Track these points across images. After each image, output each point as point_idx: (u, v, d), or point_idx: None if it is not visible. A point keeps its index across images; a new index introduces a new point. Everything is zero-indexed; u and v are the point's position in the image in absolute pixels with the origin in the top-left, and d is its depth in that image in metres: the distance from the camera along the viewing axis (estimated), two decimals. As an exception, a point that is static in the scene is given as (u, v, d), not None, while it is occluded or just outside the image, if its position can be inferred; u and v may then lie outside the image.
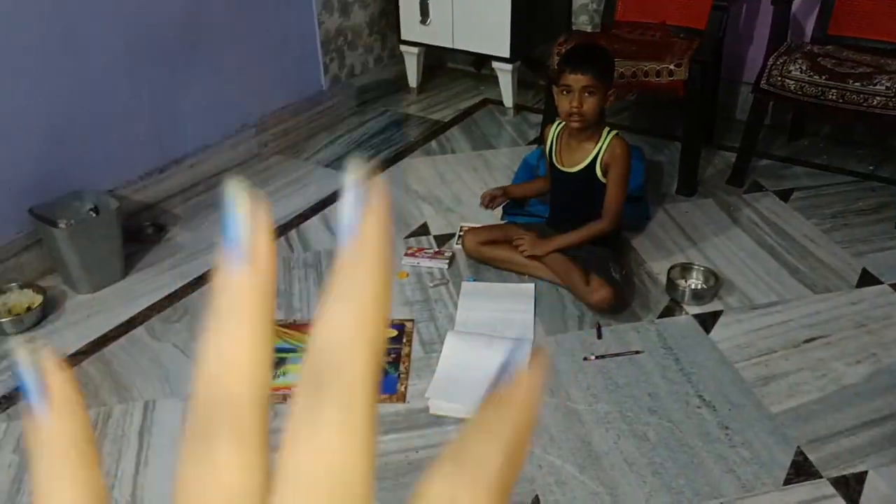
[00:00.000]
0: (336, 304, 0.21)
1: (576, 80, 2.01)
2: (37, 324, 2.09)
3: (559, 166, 2.19)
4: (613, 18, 2.91)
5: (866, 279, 2.20)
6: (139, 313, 2.14)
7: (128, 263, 2.32)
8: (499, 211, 2.56)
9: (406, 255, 2.33)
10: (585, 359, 1.92)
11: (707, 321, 2.05)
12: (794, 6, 2.76)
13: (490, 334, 1.97)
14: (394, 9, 3.35)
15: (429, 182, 2.79)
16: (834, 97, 2.38)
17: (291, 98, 3.07)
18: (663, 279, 2.19)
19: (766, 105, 2.64)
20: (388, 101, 3.48)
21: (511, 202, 2.55)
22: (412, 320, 2.07)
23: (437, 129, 3.20)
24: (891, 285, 2.17)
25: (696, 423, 1.72)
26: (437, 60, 3.80)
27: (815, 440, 1.68)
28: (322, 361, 0.20)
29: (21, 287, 2.15)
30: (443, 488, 0.20)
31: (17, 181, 2.17)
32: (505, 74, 3.22)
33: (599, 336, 2.00)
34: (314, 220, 2.56)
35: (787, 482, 1.57)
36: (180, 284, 2.25)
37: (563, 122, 2.18)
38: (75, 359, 1.97)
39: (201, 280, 2.27)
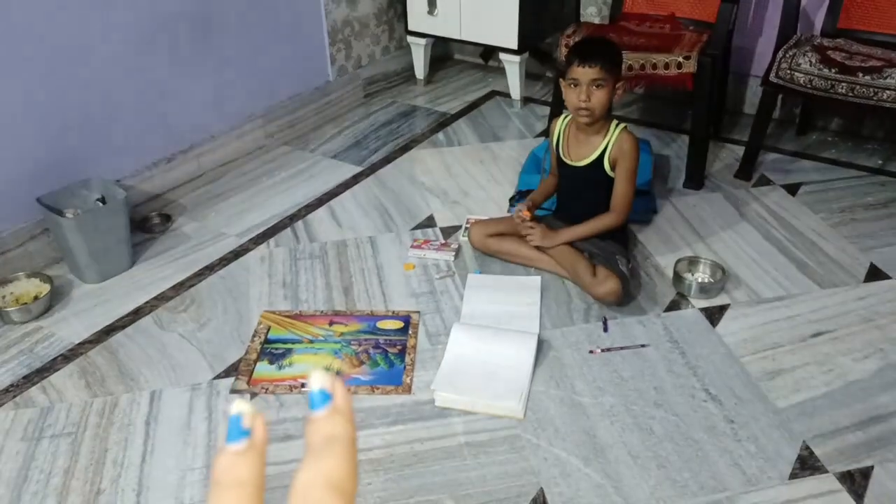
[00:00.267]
0: (314, 463, 0.27)
1: (584, 73, 2.00)
2: (44, 313, 2.10)
3: (566, 160, 2.18)
4: (622, 10, 2.90)
5: (874, 274, 2.19)
6: (146, 303, 2.14)
7: (134, 253, 2.33)
8: (505, 203, 2.56)
9: (412, 246, 2.33)
10: (591, 352, 1.92)
11: (713, 315, 2.05)
12: (805, -1, 2.74)
13: (496, 327, 1.97)
14: (401, -1, 3.35)
15: (435, 174, 2.79)
16: (843, 91, 2.37)
17: (298, 89, 3.07)
18: (670, 273, 2.18)
19: (775, 98, 2.63)
20: (395, 93, 3.47)
21: (518, 194, 2.55)
22: (418, 312, 2.07)
23: (444, 121, 3.20)
24: (899, 280, 2.16)
25: (702, 417, 1.72)
26: (445, 52, 3.80)
27: (820, 435, 1.67)
28: None
29: (28, 276, 2.16)
30: None
31: (25, 170, 2.18)
32: (512, 66, 3.21)
33: (605, 329, 2.00)
34: (320, 212, 2.56)
35: (793, 476, 1.57)
36: (187, 274, 2.25)
37: (570, 116, 2.17)
38: (82, 347, 1.98)
39: (207, 270, 2.27)
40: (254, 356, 1.92)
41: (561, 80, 2.13)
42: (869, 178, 2.71)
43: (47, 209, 2.14)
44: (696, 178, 2.65)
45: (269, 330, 2.01)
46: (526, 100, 3.32)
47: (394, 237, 2.41)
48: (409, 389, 1.81)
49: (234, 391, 1.82)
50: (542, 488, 1.55)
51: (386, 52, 3.51)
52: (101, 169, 2.35)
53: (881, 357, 1.89)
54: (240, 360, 1.92)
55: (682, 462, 1.61)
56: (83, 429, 1.72)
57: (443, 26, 3.28)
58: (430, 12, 3.26)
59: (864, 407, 1.74)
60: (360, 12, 3.28)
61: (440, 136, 3.08)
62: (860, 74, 2.34)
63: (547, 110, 3.09)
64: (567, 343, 1.95)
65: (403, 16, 3.38)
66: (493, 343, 1.88)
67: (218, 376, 1.87)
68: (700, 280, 2.16)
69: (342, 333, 2.00)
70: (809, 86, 2.42)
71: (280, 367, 1.89)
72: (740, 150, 2.77)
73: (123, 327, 2.05)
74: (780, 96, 2.64)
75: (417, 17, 3.32)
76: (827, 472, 1.58)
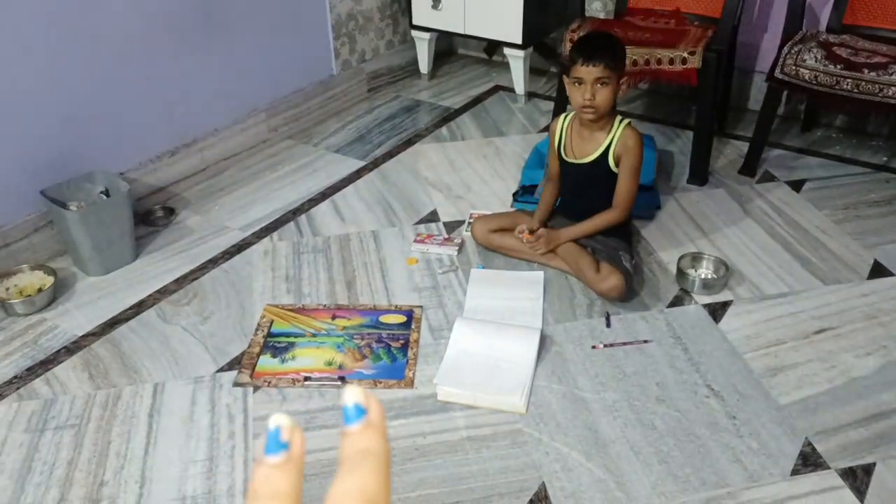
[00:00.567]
0: (347, 479, 0.27)
1: (588, 72, 2.00)
2: (47, 305, 2.10)
3: (569, 159, 2.17)
4: (627, 5, 2.89)
5: (878, 271, 2.19)
6: (149, 296, 2.15)
7: (138, 246, 2.33)
8: (508, 198, 2.55)
9: (416, 241, 2.33)
10: (594, 347, 1.92)
11: (716, 311, 2.04)
12: (810, -6, 2.73)
13: (498, 322, 1.97)
14: (405, -7, 3.34)
15: (439, 169, 2.79)
16: (848, 87, 2.36)
17: (302, 83, 3.06)
18: (673, 268, 2.18)
19: (780, 94, 2.62)
20: (398, 87, 3.47)
21: (521, 189, 2.55)
22: (421, 306, 2.07)
23: (447, 116, 3.19)
24: (902, 277, 2.15)
25: (704, 413, 1.72)
26: (449, 46, 3.79)
27: (823, 431, 1.67)
28: None
29: (32, 268, 2.16)
30: None
31: (29, 163, 2.18)
32: (517, 61, 3.20)
33: (608, 324, 2.00)
34: (323, 206, 2.56)
35: (795, 473, 1.57)
36: (190, 267, 2.26)
37: (572, 114, 2.17)
38: (85, 340, 1.98)
39: (210, 263, 2.27)
40: (257, 350, 1.93)
41: (564, 77, 2.12)
42: (873, 175, 2.70)
43: (51, 202, 2.14)
44: (700, 174, 2.64)
45: (272, 324, 2.01)
46: (530, 95, 3.31)
47: (397, 232, 2.41)
48: (411, 384, 1.82)
49: (236, 384, 1.83)
50: (543, 483, 1.55)
51: (390, 46, 3.50)
52: (105, 162, 2.35)
53: (884, 354, 1.88)
54: (243, 354, 1.92)
55: (683, 457, 1.61)
56: (86, 421, 1.73)
57: (447, 21, 3.27)
58: (435, 6, 3.25)
59: (867, 404, 1.74)
60: (364, 6, 3.27)
61: (444, 130, 3.07)
62: (865, 71, 2.33)
63: (551, 105, 3.09)
64: (570, 338, 1.95)
65: (408, 10, 3.37)
66: (495, 338, 1.88)
67: (221, 369, 1.87)
68: (703, 276, 2.16)
69: (345, 327, 2.00)
70: (814, 82, 2.42)
71: (283, 361, 1.89)
72: (744, 147, 2.76)
73: (127, 320, 2.05)
74: (784, 92, 2.63)
75: (422, 11, 3.31)
76: (829, 468, 1.58)
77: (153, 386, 1.83)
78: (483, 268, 2.23)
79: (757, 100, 2.95)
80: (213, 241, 2.38)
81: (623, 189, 2.12)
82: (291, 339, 1.96)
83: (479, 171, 2.76)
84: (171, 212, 2.52)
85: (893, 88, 2.30)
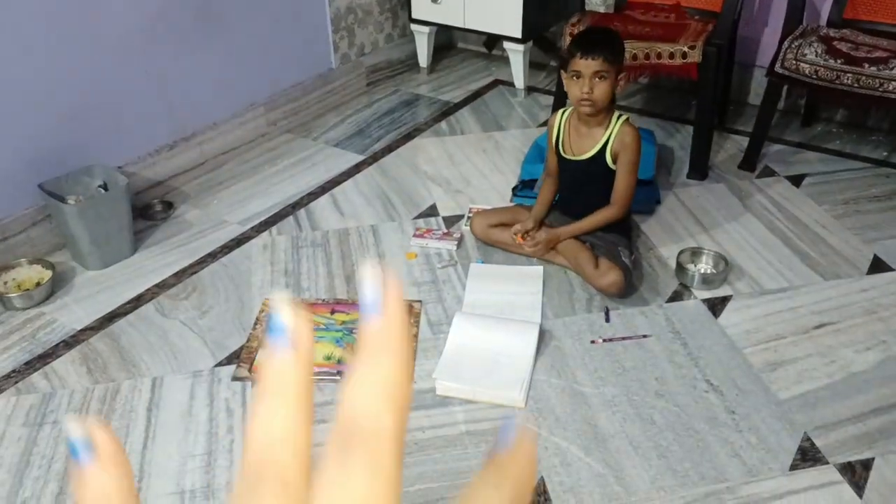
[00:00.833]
0: (366, 370, 0.23)
1: (586, 65, 1.99)
2: (46, 299, 2.10)
3: (567, 155, 2.17)
4: (627, -1, 2.88)
5: (878, 266, 2.19)
6: (147, 290, 2.14)
7: (136, 240, 2.32)
8: (508, 193, 2.55)
9: (415, 236, 2.33)
10: (593, 342, 1.92)
11: (716, 306, 2.04)
12: (811, -11, 2.72)
13: (497, 316, 1.97)
14: (405, -13, 3.33)
15: (438, 163, 2.78)
16: (849, 81, 2.36)
17: (301, 76, 3.06)
18: (672, 263, 2.18)
19: (780, 89, 2.61)
20: (398, 81, 3.46)
21: (521, 183, 2.54)
22: (420, 301, 2.07)
23: (447, 110, 3.19)
24: (902, 273, 2.15)
25: (703, 408, 1.72)
26: (449, 40, 3.78)
27: (822, 426, 1.67)
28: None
29: (30, 262, 2.16)
30: None
31: (27, 156, 2.18)
32: (516, 55, 3.19)
33: (607, 319, 1.99)
34: (322, 200, 2.56)
35: (794, 467, 1.57)
36: (188, 262, 2.25)
37: (570, 109, 2.16)
38: (84, 334, 1.98)
39: (209, 257, 2.27)
40: (255, 343, 1.92)
41: (563, 71, 2.12)
42: (873, 170, 2.70)
43: (49, 195, 2.14)
44: (700, 169, 2.64)
45: (270, 318, 2.01)
46: (529, 89, 3.30)
47: (396, 226, 2.41)
48: (410, 378, 1.81)
49: (235, 378, 1.82)
50: (542, 477, 1.55)
51: (389, 40, 3.49)
52: (104, 156, 2.35)
53: (883, 349, 1.88)
54: (241, 348, 1.92)
55: (682, 452, 1.61)
56: (85, 415, 1.73)
57: (447, 14, 3.26)
58: (434, 0, 3.24)
59: (866, 398, 1.74)
60: (363, 0, 3.26)
61: (443, 124, 3.07)
62: (866, 65, 2.33)
63: (550, 99, 3.08)
64: (569, 333, 1.95)
65: (407, 3, 3.36)
66: (494, 332, 1.88)
67: (219, 363, 1.87)
68: (703, 271, 2.16)
69: (344, 322, 2.00)
70: (815, 76, 2.41)
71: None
72: (745, 141, 2.75)
73: (125, 314, 2.05)
74: (785, 87, 2.63)
75: (421, 4, 3.30)
76: (828, 463, 1.58)
77: (152, 380, 1.83)
78: (482, 262, 2.23)
79: (757, 94, 2.94)
80: (211, 235, 2.38)
81: (621, 186, 2.11)
82: (290, 334, 1.95)
83: (478, 166, 2.75)
84: (169, 206, 2.52)
85: (894, 83, 2.29)
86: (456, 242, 2.29)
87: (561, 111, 2.21)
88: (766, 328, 1.96)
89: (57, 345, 1.94)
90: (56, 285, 2.14)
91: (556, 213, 2.26)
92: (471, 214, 2.39)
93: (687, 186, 2.60)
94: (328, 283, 2.15)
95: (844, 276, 2.14)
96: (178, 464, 1.61)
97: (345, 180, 2.68)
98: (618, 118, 2.10)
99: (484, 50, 3.75)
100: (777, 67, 2.49)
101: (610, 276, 2.03)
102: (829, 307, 2.03)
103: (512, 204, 2.45)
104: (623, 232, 2.20)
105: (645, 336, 1.93)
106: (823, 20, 2.80)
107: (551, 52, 3.49)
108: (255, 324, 1.99)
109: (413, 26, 3.41)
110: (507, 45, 3.20)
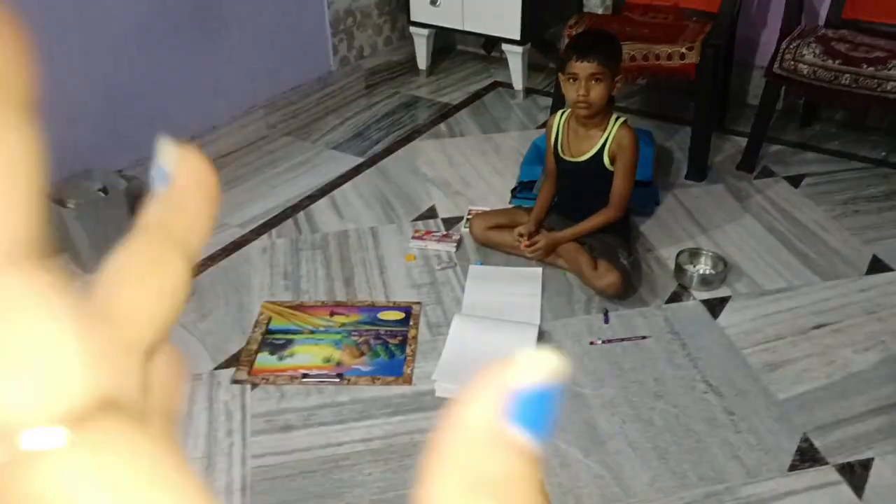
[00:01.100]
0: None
1: (582, 68, 1.99)
2: (46, 303, 2.10)
3: (565, 157, 2.17)
4: (625, 0, 2.89)
5: (876, 266, 2.19)
6: (147, 293, 2.14)
7: (136, 243, 2.32)
8: (507, 194, 2.55)
9: (414, 237, 2.33)
10: (592, 343, 1.92)
11: (715, 307, 2.04)
12: (809, -11, 2.73)
13: (496, 318, 1.97)
14: (403, -11, 3.33)
15: (437, 165, 2.78)
16: (847, 82, 2.36)
17: (300, 79, 3.06)
18: (671, 264, 2.18)
19: (779, 89, 2.61)
20: (397, 83, 3.46)
21: (520, 185, 2.55)
22: (419, 303, 2.07)
23: (446, 112, 3.19)
24: (901, 273, 2.15)
25: (702, 409, 1.72)
26: (447, 42, 3.78)
27: (821, 427, 1.67)
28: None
29: (30, 266, 2.16)
30: None
31: (27, 160, 2.18)
32: (515, 57, 3.19)
33: (606, 321, 2.00)
34: (321, 203, 2.56)
35: (793, 468, 1.57)
36: (188, 265, 2.25)
37: (568, 111, 2.16)
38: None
39: (209, 260, 2.27)
40: (255, 347, 1.93)
41: (560, 74, 2.12)
42: (872, 170, 2.70)
43: (48, 199, 2.14)
44: (699, 170, 2.64)
45: (270, 320, 2.01)
46: (528, 91, 3.31)
47: (395, 228, 2.41)
48: (409, 380, 1.82)
49: (234, 382, 1.83)
50: (541, 479, 1.55)
51: (388, 42, 3.50)
52: (103, 159, 2.35)
53: (882, 349, 1.88)
54: (241, 351, 1.92)
55: (681, 453, 1.61)
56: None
57: (445, 17, 3.26)
58: (433, 3, 3.24)
59: (865, 399, 1.74)
60: (362, 2, 3.27)
61: (442, 127, 3.07)
62: (864, 66, 2.33)
63: (549, 101, 3.08)
64: (568, 334, 1.95)
65: (406, 6, 3.36)
66: (493, 334, 1.88)
67: (219, 367, 1.87)
68: (701, 272, 2.16)
69: (343, 324, 2.00)
70: (813, 77, 2.41)
71: (281, 358, 1.89)
72: (743, 142, 2.76)
73: (125, 317, 2.05)
74: (783, 87, 2.63)
75: (420, 7, 3.30)
76: (827, 463, 1.58)
77: (151, 383, 1.83)
78: (481, 264, 2.23)
79: (756, 95, 2.94)
80: (211, 238, 2.38)
81: (618, 188, 2.11)
82: (290, 336, 1.96)
83: (477, 168, 2.75)
84: (169, 209, 2.52)
85: (892, 83, 2.30)
86: (455, 244, 2.29)
87: (560, 113, 2.21)
88: (765, 329, 1.96)
89: (57, 348, 1.94)
90: (56, 289, 2.14)
91: (555, 215, 2.26)
92: (470, 216, 2.40)
93: (685, 187, 2.60)
94: (328, 286, 2.15)
95: (843, 277, 2.14)
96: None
97: (344, 183, 2.68)
98: (616, 120, 2.10)
99: (483, 52, 3.76)
100: (775, 68, 2.49)
101: (608, 277, 2.03)
102: (828, 307, 2.03)
103: (511, 206, 2.45)
104: (622, 233, 2.20)
105: (644, 337, 1.94)
106: (822, 20, 2.80)
107: (550, 53, 3.49)
108: (255, 326, 1.99)
109: (412, 29, 3.41)
110: (505, 47, 3.20)
